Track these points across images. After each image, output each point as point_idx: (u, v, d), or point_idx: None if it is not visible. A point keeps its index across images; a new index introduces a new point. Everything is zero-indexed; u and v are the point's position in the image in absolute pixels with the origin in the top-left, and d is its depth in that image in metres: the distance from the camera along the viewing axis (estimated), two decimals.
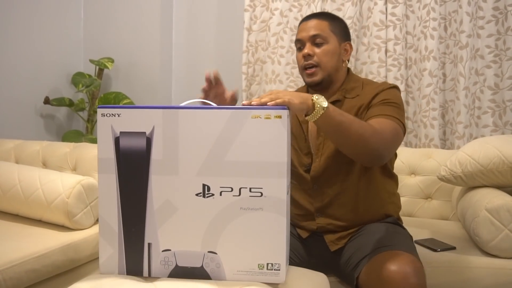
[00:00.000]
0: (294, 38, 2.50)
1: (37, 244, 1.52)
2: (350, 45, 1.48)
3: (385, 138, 1.24)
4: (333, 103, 1.40)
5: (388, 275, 1.10)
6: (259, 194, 1.03)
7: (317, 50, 1.40)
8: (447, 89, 2.31)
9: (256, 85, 2.60)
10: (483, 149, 1.66)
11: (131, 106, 1.08)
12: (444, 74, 2.31)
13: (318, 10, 2.39)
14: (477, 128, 2.25)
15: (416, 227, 1.75)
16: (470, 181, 1.70)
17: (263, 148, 1.02)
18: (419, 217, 2.03)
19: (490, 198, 1.53)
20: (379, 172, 1.42)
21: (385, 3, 2.33)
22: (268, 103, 1.03)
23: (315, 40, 1.41)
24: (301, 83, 2.50)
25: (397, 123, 1.29)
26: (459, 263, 1.48)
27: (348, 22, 2.35)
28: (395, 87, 1.41)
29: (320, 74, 1.41)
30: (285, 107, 1.04)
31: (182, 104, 1.13)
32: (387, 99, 1.35)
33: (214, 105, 1.26)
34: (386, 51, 2.34)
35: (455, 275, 1.47)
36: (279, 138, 1.02)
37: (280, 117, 1.02)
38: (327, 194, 1.39)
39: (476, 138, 2.17)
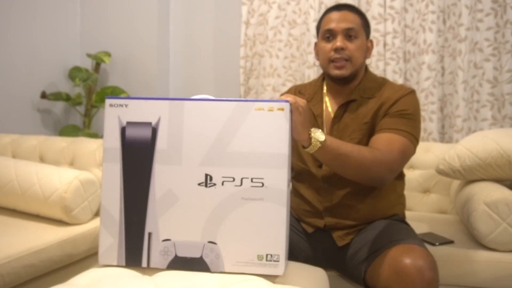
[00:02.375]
0: (292, 31, 2.49)
1: (35, 239, 1.52)
2: (372, 43, 1.46)
3: (389, 163, 1.24)
4: (349, 102, 1.39)
5: (402, 269, 1.10)
6: (260, 185, 1.04)
7: (349, 44, 1.36)
8: (445, 83, 2.30)
9: (254, 79, 2.59)
10: (482, 143, 1.66)
11: (138, 97, 1.11)
12: (442, 68, 2.30)
13: (316, 4, 2.38)
14: (475, 122, 2.24)
15: (415, 221, 1.75)
16: (469, 175, 1.70)
17: (266, 139, 1.04)
18: (418, 211, 2.04)
19: (488, 192, 1.53)
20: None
21: None
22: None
23: (348, 33, 1.36)
24: (299, 77, 2.49)
25: (409, 139, 1.29)
26: (457, 257, 1.48)
27: None
28: (413, 92, 1.38)
29: (350, 69, 1.37)
30: (288, 100, 1.06)
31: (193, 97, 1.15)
32: (404, 110, 1.32)
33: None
34: (385, 44, 2.33)
35: (454, 269, 1.48)
36: (281, 130, 1.04)
37: (282, 109, 1.04)
38: (336, 195, 1.38)
39: (474, 131, 2.17)
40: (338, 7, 1.42)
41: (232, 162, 1.05)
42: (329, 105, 1.44)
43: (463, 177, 1.72)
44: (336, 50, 1.35)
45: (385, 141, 1.27)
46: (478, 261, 1.47)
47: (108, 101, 1.09)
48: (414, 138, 1.31)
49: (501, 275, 1.45)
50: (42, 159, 2.11)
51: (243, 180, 1.05)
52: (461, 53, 2.18)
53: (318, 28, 1.46)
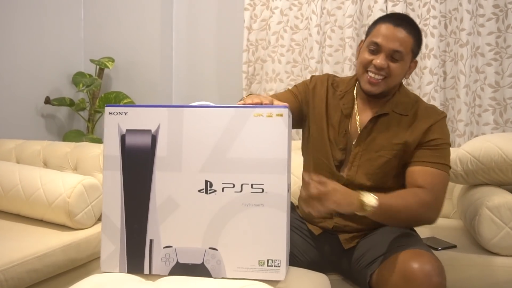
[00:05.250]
0: (294, 36, 2.50)
1: (38, 243, 1.52)
2: (416, 63, 1.39)
3: (436, 205, 1.26)
4: (380, 116, 1.36)
5: (411, 273, 1.10)
6: (260, 190, 1.05)
7: (391, 64, 1.30)
8: (447, 87, 2.30)
9: (257, 84, 2.60)
10: (484, 147, 1.66)
11: (138, 105, 1.11)
12: (444, 72, 2.31)
13: (318, 9, 2.38)
14: (477, 126, 2.24)
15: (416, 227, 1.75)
16: (471, 179, 1.70)
17: (265, 145, 1.05)
18: None
19: (490, 196, 1.53)
20: (405, 184, 1.42)
21: (385, 1, 2.33)
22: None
23: (393, 55, 1.29)
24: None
25: (447, 171, 1.30)
26: (460, 261, 1.48)
27: (348, 20, 2.35)
28: (445, 117, 1.37)
29: (382, 88, 1.32)
30: (286, 105, 1.06)
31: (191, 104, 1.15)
32: (440, 139, 1.32)
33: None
34: None
35: (456, 273, 1.47)
36: (280, 135, 1.05)
37: (281, 115, 1.05)
38: None
39: (476, 136, 2.17)
40: (398, 20, 1.31)
41: (232, 168, 1.05)
42: (357, 113, 1.41)
43: (466, 181, 1.72)
44: (376, 67, 1.30)
45: (428, 177, 1.27)
46: (481, 265, 1.47)
47: (107, 109, 1.10)
48: (449, 168, 1.33)
49: (504, 279, 1.44)
50: (46, 164, 2.12)
51: (243, 186, 1.05)
52: (462, 57, 2.19)
53: (370, 29, 1.37)
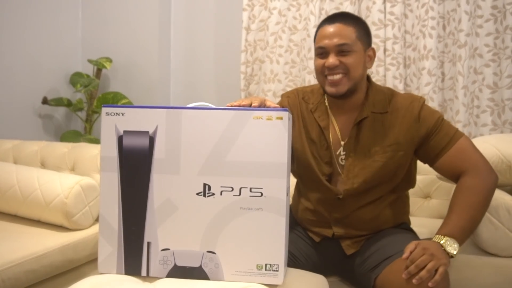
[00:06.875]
0: (292, 37, 2.50)
1: (36, 244, 1.52)
2: (374, 51, 1.37)
3: (482, 166, 1.28)
4: (361, 121, 1.34)
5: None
6: (259, 194, 1.04)
7: (344, 59, 1.29)
8: (446, 88, 2.31)
9: (255, 84, 2.60)
10: (482, 148, 1.64)
11: (135, 105, 1.10)
12: (442, 73, 2.31)
13: (317, 10, 2.38)
14: (476, 127, 2.24)
15: (415, 227, 1.74)
16: None
17: (264, 148, 1.04)
18: (418, 216, 2.03)
19: None
20: (406, 187, 1.42)
21: (384, 2, 2.33)
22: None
23: (341, 49, 1.28)
24: (299, 82, 2.50)
25: (460, 133, 1.31)
26: (458, 262, 1.48)
27: None
28: (424, 100, 1.35)
29: (347, 84, 1.29)
30: (286, 108, 1.05)
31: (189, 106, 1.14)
32: (435, 120, 1.31)
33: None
34: (385, 50, 2.33)
35: (454, 274, 1.47)
36: (280, 139, 1.04)
37: (281, 118, 1.04)
38: (348, 207, 1.35)
39: (475, 137, 2.17)
40: (331, 19, 1.33)
41: (231, 171, 1.05)
42: (334, 121, 1.38)
43: None
44: (329, 68, 1.29)
45: (459, 158, 1.29)
46: (479, 266, 1.47)
47: (104, 110, 1.08)
48: (457, 129, 1.32)
49: (501, 280, 1.44)
50: (43, 165, 2.12)
51: (242, 189, 1.04)
52: (461, 58, 2.19)
53: (314, 39, 1.39)
